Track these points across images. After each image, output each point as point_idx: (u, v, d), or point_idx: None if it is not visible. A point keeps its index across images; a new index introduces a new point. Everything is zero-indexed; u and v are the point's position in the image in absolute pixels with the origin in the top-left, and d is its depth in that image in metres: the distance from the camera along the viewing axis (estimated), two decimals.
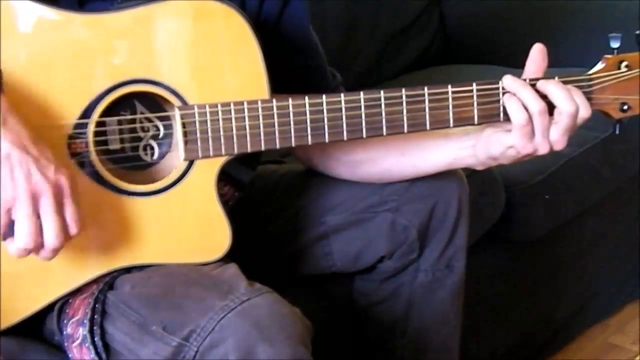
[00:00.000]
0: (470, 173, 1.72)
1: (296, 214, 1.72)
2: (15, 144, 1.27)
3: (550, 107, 1.47)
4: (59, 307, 1.46)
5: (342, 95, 1.45)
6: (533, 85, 1.48)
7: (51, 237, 1.29)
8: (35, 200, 1.28)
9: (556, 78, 1.49)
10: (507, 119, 1.49)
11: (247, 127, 1.42)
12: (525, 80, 1.49)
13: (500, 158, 1.52)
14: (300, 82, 1.55)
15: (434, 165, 1.60)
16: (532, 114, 1.46)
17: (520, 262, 2.35)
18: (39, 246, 1.30)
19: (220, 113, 1.41)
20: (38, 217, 1.29)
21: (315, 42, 1.67)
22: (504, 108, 1.49)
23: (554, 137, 1.48)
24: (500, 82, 1.50)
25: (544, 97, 1.47)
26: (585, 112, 1.49)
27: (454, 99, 1.49)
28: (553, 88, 1.48)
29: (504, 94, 1.49)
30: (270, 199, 1.75)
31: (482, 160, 1.55)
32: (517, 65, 2.46)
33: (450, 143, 1.57)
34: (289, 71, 1.50)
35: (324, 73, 1.68)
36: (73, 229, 1.32)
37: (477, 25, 2.97)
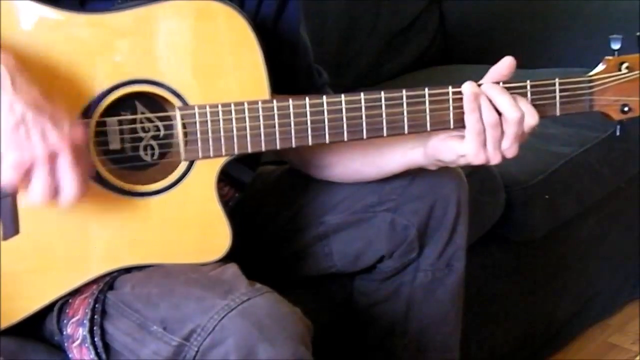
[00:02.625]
0: (470, 173, 1.72)
1: (296, 214, 1.72)
2: (29, 104, 1.27)
3: None
4: (59, 307, 1.46)
5: (342, 96, 1.45)
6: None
7: (69, 193, 1.30)
8: (52, 160, 1.28)
9: (500, 83, 1.49)
10: None
11: (248, 128, 1.42)
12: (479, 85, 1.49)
13: (450, 164, 1.54)
14: (288, 82, 1.55)
15: (392, 167, 1.60)
16: (486, 124, 1.46)
17: (520, 262, 2.35)
18: (53, 199, 1.30)
19: (220, 113, 1.41)
20: (54, 175, 1.29)
21: (304, 42, 1.67)
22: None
23: (505, 146, 1.48)
24: (500, 84, 1.49)
25: None
26: (531, 119, 1.48)
27: (454, 100, 1.49)
28: (497, 95, 1.47)
29: (454, 100, 1.49)
30: (270, 199, 1.75)
31: (433, 163, 1.56)
32: (517, 65, 2.46)
33: (405, 145, 1.57)
34: (278, 71, 1.49)
35: (310, 72, 1.68)
36: (89, 176, 1.34)
37: (477, 25, 2.97)
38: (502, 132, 1.47)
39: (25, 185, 1.29)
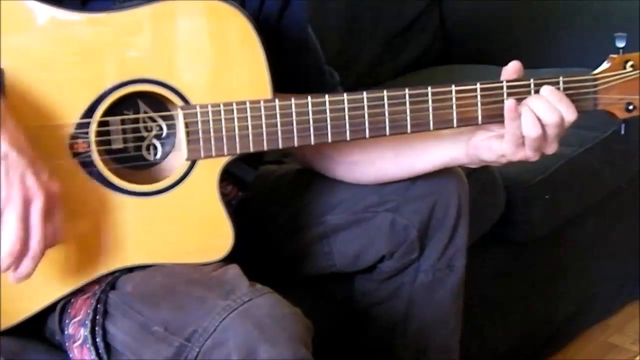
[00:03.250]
0: (470, 173, 1.72)
1: (296, 214, 1.72)
2: (13, 145, 1.27)
3: None
4: (61, 307, 1.46)
5: (344, 94, 1.46)
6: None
7: (36, 243, 1.29)
8: (26, 205, 1.28)
9: (560, 78, 1.49)
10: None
11: (250, 127, 1.42)
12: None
13: (492, 163, 1.56)
14: (297, 82, 1.55)
15: (429, 165, 1.61)
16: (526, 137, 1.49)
17: (520, 262, 2.35)
18: (22, 253, 1.29)
19: (222, 113, 1.41)
20: (26, 222, 1.28)
21: (313, 42, 1.67)
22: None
23: (545, 148, 1.51)
24: (504, 82, 1.50)
25: None
26: (570, 116, 1.50)
27: (457, 98, 1.49)
28: (534, 102, 1.49)
29: (457, 99, 1.49)
30: (270, 199, 1.75)
31: (475, 161, 1.57)
32: None
33: (445, 143, 1.58)
34: (286, 71, 1.49)
35: (321, 73, 1.68)
36: (57, 238, 1.32)
37: (477, 25, 2.97)
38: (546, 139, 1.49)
39: None
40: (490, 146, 1.52)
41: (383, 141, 1.57)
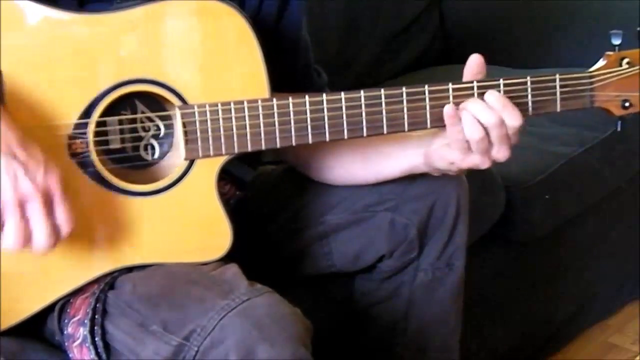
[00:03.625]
0: (470, 173, 1.72)
1: (295, 214, 1.72)
2: (4, 150, 1.27)
3: None
4: (60, 306, 1.46)
5: (342, 93, 1.46)
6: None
7: (41, 240, 1.30)
8: (22, 206, 1.28)
9: (502, 80, 1.50)
10: None
11: (248, 127, 1.42)
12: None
13: (447, 172, 1.55)
14: (286, 81, 1.55)
15: (392, 172, 1.61)
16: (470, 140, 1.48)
17: (520, 262, 2.35)
18: (28, 246, 1.30)
19: (220, 112, 1.41)
20: (27, 221, 1.29)
21: (305, 41, 1.67)
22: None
23: (494, 152, 1.49)
24: (501, 80, 1.50)
25: None
26: (512, 121, 1.48)
27: (454, 96, 1.49)
28: (472, 105, 1.48)
29: (454, 97, 1.49)
30: (269, 199, 1.75)
31: (434, 171, 1.57)
32: (517, 65, 2.47)
33: (406, 151, 1.57)
34: (277, 70, 1.49)
35: (309, 73, 1.68)
36: (64, 229, 1.32)
37: (477, 25, 2.97)
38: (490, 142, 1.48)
39: None
40: (441, 154, 1.52)
41: (353, 147, 1.58)
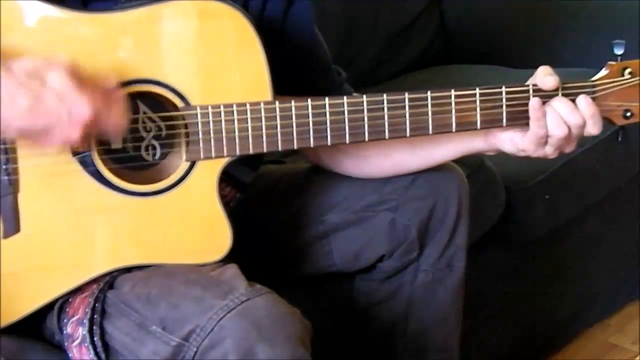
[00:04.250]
0: (470, 173, 1.72)
1: (296, 213, 1.72)
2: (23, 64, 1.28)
3: None
4: (59, 306, 1.47)
5: (344, 98, 1.46)
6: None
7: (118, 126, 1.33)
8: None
9: (504, 87, 1.50)
10: (509, 124, 1.50)
11: (250, 129, 1.42)
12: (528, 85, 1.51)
13: (512, 154, 1.57)
14: (305, 82, 1.55)
15: (449, 153, 1.62)
16: (551, 136, 1.51)
17: (520, 262, 2.35)
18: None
19: (222, 114, 1.41)
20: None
21: (320, 42, 1.66)
22: (508, 114, 1.50)
23: (567, 148, 1.53)
24: (503, 87, 1.50)
25: None
26: (594, 129, 1.52)
27: (457, 103, 1.49)
28: (558, 104, 1.50)
29: (456, 104, 1.50)
30: (270, 199, 1.75)
31: (494, 150, 1.59)
32: (517, 65, 2.46)
33: (464, 135, 1.58)
34: (294, 72, 1.49)
35: (328, 72, 1.67)
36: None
37: (477, 25, 2.97)
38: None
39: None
40: (512, 138, 1.54)
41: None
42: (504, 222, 2.18)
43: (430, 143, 1.60)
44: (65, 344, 1.47)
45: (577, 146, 2.28)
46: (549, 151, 1.53)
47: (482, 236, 2.10)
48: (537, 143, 1.52)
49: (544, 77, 1.51)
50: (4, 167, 1.36)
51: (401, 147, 1.62)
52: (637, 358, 2.51)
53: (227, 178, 1.54)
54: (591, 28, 2.73)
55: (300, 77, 1.54)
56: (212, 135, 1.41)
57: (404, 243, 1.68)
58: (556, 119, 1.50)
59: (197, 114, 1.41)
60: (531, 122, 1.50)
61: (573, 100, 1.52)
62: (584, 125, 1.51)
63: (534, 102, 1.50)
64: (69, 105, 1.28)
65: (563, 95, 1.52)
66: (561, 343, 2.54)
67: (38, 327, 1.50)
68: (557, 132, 1.50)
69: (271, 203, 1.74)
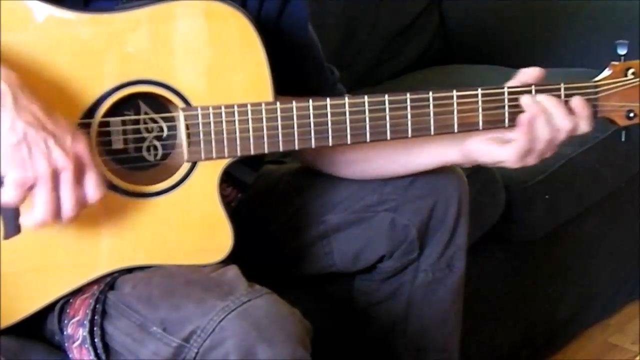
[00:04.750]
0: (470, 173, 1.72)
1: (296, 214, 1.72)
2: (31, 123, 1.26)
3: None
4: (60, 307, 1.46)
5: (346, 98, 1.45)
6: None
7: (68, 210, 1.30)
8: (56, 177, 1.28)
9: (562, 85, 1.50)
10: (511, 125, 1.49)
11: (251, 130, 1.42)
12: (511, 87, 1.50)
13: (486, 165, 1.56)
14: (298, 81, 1.55)
15: (426, 163, 1.61)
16: (538, 139, 1.49)
17: (520, 262, 2.35)
18: (55, 219, 1.30)
19: (223, 115, 1.41)
20: (57, 195, 1.29)
21: (313, 41, 1.66)
22: (510, 115, 1.49)
23: (547, 154, 1.51)
24: (505, 88, 1.50)
25: None
26: (586, 127, 1.51)
27: (458, 103, 1.49)
28: (554, 109, 1.49)
29: (458, 104, 1.49)
30: (270, 199, 1.75)
31: (470, 162, 1.57)
32: (517, 65, 2.46)
33: (439, 142, 1.57)
34: (287, 70, 1.49)
35: (321, 71, 1.68)
36: (93, 197, 1.32)
37: (477, 25, 2.97)
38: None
39: (27, 203, 1.29)
40: (490, 151, 1.52)
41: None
42: (504, 222, 2.18)
43: (409, 152, 1.60)
44: (66, 344, 1.46)
45: (577, 146, 2.30)
46: (531, 162, 1.52)
47: (482, 236, 2.10)
48: (522, 156, 1.50)
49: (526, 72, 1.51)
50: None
51: (382, 154, 1.62)
52: (637, 358, 2.51)
53: (228, 178, 1.55)
54: (591, 28, 2.73)
55: (294, 76, 1.53)
56: (213, 135, 1.41)
57: (403, 243, 1.68)
58: (546, 125, 1.48)
59: (198, 115, 1.41)
60: (519, 136, 1.49)
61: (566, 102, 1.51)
62: (574, 130, 1.50)
63: (523, 118, 1.48)
64: (74, 130, 1.30)
65: (565, 95, 1.51)
66: (561, 343, 2.54)
67: (38, 327, 1.50)
68: (545, 136, 1.48)
69: (271, 203, 1.74)
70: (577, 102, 1.50)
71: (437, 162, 1.60)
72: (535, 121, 1.48)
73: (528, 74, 1.52)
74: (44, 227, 1.31)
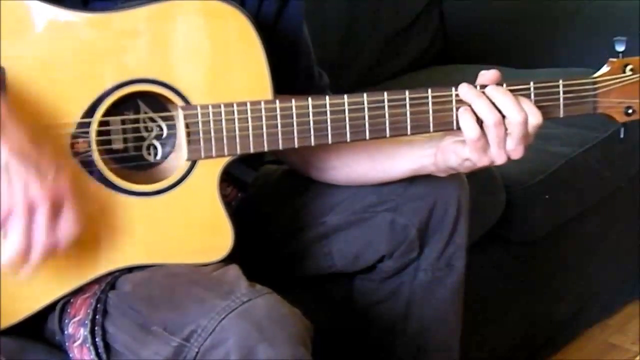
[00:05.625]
0: (470, 173, 1.72)
1: (296, 214, 1.72)
2: (14, 152, 1.25)
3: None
4: (61, 306, 1.46)
5: (345, 96, 1.46)
6: (484, 92, 1.48)
7: (37, 251, 1.28)
8: (31, 212, 1.26)
9: (504, 85, 1.49)
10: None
11: (250, 128, 1.42)
12: (476, 87, 1.49)
13: (458, 168, 1.54)
14: (286, 83, 1.55)
15: (400, 172, 1.61)
16: (485, 126, 1.47)
17: (520, 262, 2.35)
18: (24, 261, 1.28)
19: (223, 114, 1.41)
20: (30, 232, 1.27)
21: (306, 43, 1.67)
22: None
23: (510, 147, 1.48)
24: (504, 85, 1.49)
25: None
26: (534, 119, 1.48)
27: (458, 101, 1.48)
28: (500, 97, 1.48)
29: (457, 102, 1.49)
30: (270, 200, 1.75)
31: (443, 169, 1.56)
32: (517, 65, 2.46)
33: (414, 150, 1.57)
34: (277, 71, 1.49)
35: (311, 74, 1.68)
36: (65, 240, 1.31)
37: (477, 25, 2.97)
38: (506, 132, 1.47)
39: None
40: (455, 150, 1.51)
41: (357, 147, 1.58)
42: (504, 222, 2.18)
43: (386, 158, 1.60)
44: (67, 344, 1.46)
45: (577, 146, 2.30)
46: (494, 153, 1.48)
47: (482, 236, 2.10)
48: (477, 147, 1.47)
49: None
50: None
51: (361, 161, 1.62)
52: (637, 358, 2.51)
53: (228, 178, 1.55)
54: (591, 28, 2.73)
55: (283, 77, 1.53)
56: (212, 134, 1.41)
57: (403, 243, 1.68)
58: (489, 106, 1.47)
59: (197, 114, 1.41)
60: (461, 125, 1.47)
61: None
62: (523, 121, 1.46)
63: (461, 111, 1.48)
64: (59, 165, 1.28)
65: (564, 92, 1.51)
66: (561, 343, 2.54)
67: (38, 327, 1.50)
68: (488, 119, 1.46)
69: (271, 204, 1.74)
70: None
71: (413, 169, 1.59)
72: (474, 105, 1.47)
73: (485, 77, 1.51)
74: (13, 269, 1.29)
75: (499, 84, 1.49)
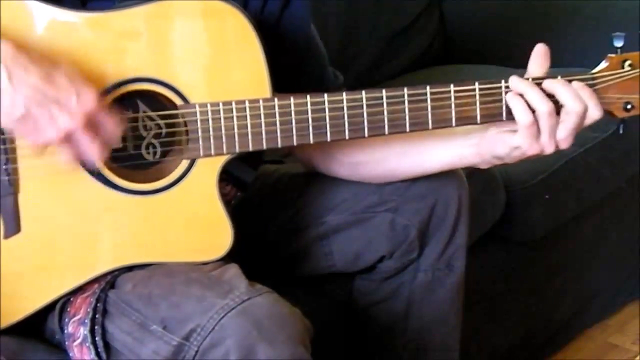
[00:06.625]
0: (470, 173, 1.72)
1: (296, 214, 1.72)
2: (30, 96, 1.27)
3: (557, 107, 1.47)
4: (61, 305, 1.46)
5: (344, 94, 1.46)
6: (539, 85, 1.48)
7: (94, 157, 1.32)
8: (69, 138, 1.29)
9: (559, 77, 1.49)
10: (510, 118, 1.49)
11: (249, 126, 1.42)
12: (529, 79, 1.49)
13: (505, 158, 1.53)
14: (299, 83, 1.55)
15: (437, 164, 1.60)
16: (539, 115, 1.46)
17: (520, 262, 2.35)
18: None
19: (221, 112, 1.41)
20: (77, 147, 1.31)
21: (316, 43, 1.66)
22: (507, 108, 1.49)
23: (561, 136, 1.48)
24: (502, 82, 1.50)
25: (550, 96, 1.47)
26: (595, 112, 1.49)
27: (456, 97, 1.49)
28: (560, 88, 1.48)
29: (507, 93, 1.49)
30: (270, 199, 1.75)
31: (487, 159, 1.55)
32: (517, 65, 2.46)
33: (454, 142, 1.57)
34: (288, 71, 1.49)
35: (324, 74, 1.68)
36: (114, 140, 1.34)
37: (477, 25, 2.97)
38: (558, 121, 1.47)
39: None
40: (503, 138, 1.51)
41: (389, 141, 1.57)
42: (504, 222, 2.18)
43: (420, 153, 1.59)
44: (66, 343, 1.46)
45: (577, 146, 2.30)
46: (545, 141, 1.48)
47: (482, 236, 2.10)
48: (529, 134, 1.47)
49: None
50: (4, 167, 1.36)
51: (392, 156, 1.61)
52: (637, 358, 2.51)
53: (228, 177, 1.55)
54: (591, 28, 2.73)
55: (295, 77, 1.53)
56: (211, 132, 1.41)
57: (404, 243, 1.68)
58: (538, 96, 1.47)
59: (196, 112, 1.41)
60: (514, 112, 1.47)
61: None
62: (576, 104, 1.47)
63: (509, 95, 1.48)
64: (78, 87, 1.29)
65: None
66: (561, 343, 2.54)
67: (38, 326, 1.50)
68: (542, 108, 1.46)
69: (271, 204, 1.74)
70: (576, 83, 1.50)
71: (452, 162, 1.59)
72: (527, 96, 1.47)
73: (535, 60, 1.52)
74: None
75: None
